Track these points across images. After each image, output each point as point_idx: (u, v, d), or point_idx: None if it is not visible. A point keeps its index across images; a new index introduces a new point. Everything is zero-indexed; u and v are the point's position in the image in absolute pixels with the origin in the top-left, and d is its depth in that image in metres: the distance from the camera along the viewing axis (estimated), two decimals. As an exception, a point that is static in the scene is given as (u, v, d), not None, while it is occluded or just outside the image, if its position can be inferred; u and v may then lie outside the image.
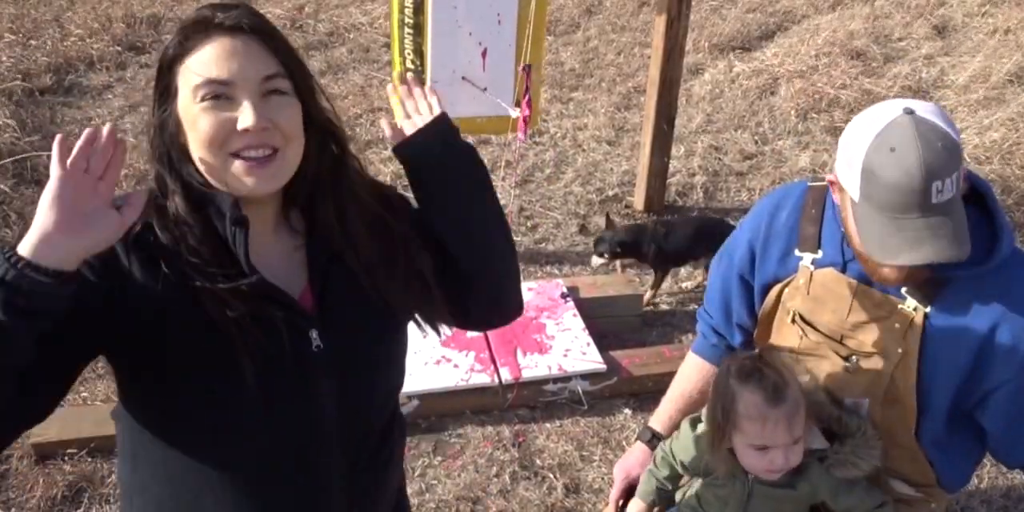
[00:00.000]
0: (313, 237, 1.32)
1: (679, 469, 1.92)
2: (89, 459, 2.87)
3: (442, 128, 1.40)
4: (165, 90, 1.23)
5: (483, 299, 1.48)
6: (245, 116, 1.19)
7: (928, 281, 1.69)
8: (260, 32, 1.23)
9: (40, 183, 4.28)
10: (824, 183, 1.84)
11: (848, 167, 1.60)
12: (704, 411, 1.84)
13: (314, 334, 1.29)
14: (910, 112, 1.55)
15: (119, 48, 5.69)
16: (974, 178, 1.72)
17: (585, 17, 6.49)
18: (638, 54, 5.92)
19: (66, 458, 2.86)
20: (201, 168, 1.23)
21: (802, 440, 1.74)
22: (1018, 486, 2.86)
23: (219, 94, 1.19)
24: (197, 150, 1.22)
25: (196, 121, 1.20)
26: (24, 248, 1.07)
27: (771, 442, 1.70)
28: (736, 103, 5.33)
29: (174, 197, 1.24)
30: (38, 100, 4.97)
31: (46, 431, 2.89)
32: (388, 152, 4.70)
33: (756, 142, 4.95)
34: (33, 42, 5.64)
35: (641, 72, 5.63)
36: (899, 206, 1.53)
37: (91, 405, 3.10)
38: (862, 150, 1.57)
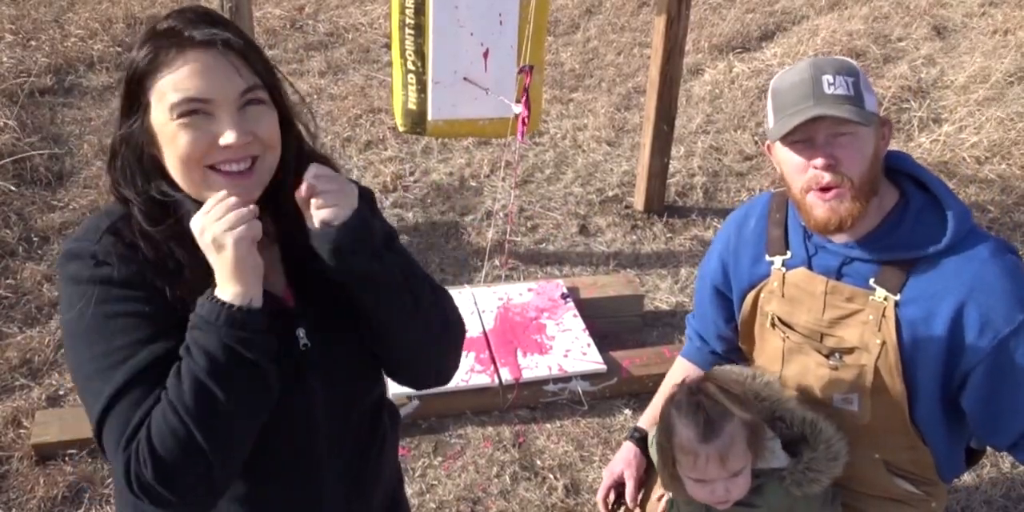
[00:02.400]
0: (285, 234, 1.33)
1: None
2: (89, 459, 2.87)
3: (360, 233, 1.26)
4: (134, 103, 1.22)
5: (394, 368, 1.46)
6: (227, 133, 1.19)
7: (893, 270, 1.73)
8: (233, 47, 1.21)
9: (40, 183, 4.28)
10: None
11: (767, 116, 1.76)
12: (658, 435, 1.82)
13: (301, 333, 1.32)
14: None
15: (119, 49, 5.68)
16: (914, 166, 1.79)
17: (585, 17, 6.49)
18: (638, 54, 5.92)
19: (66, 458, 2.86)
20: (179, 181, 1.24)
21: (746, 471, 1.70)
22: (1018, 486, 2.86)
23: (197, 110, 1.19)
24: (174, 165, 1.22)
25: (174, 137, 1.19)
26: (241, 297, 1.18)
27: (705, 476, 1.69)
28: (736, 103, 5.34)
29: (133, 209, 1.26)
30: (38, 100, 4.97)
31: (46, 431, 2.89)
32: (388, 153, 4.71)
33: (756, 142, 4.95)
34: (33, 42, 5.64)
35: (641, 72, 5.63)
36: (795, 99, 1.67)
37: (91, 406, 3.10)
38: (770, 90, 1.75)
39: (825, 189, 1.66)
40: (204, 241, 1.18)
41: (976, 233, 1.72)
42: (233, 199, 1.19)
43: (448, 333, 1.43)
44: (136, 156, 1.24)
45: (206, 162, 1.21)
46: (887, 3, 6.70)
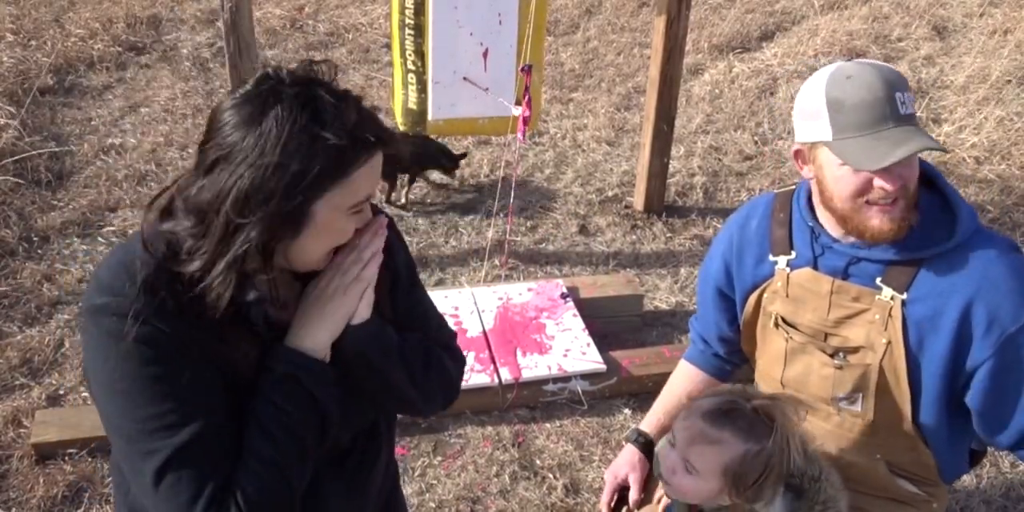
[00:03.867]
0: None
1: None
2: (89, 459, 2.87)
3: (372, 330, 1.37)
4: (299, 208, 1.19)
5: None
6: (367, 218, 1.32)
7: (900, 269, 1.72)
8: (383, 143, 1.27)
9: (40, 183, 4.29)
10: (790, 188, 1.89)
11: (811, 119, 1.68)
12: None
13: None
14: (848, 59, 1.70)
15: (119, 48, 5.69)
16: (923, 164, 1.77)
17: (585, 17, 6.49)
18: (638, 54, 5.92)
19: (66, 458, 2.86)
20: (299, 262, 1.29)
21: (703, 482, 1.63)
22: (1018, 486, 2.86)
23: (364, 205, 1.29)
24: (314, 250, 1.27)
25: (339, 230, 1.27)
26: (321, 346, 1.30)
27: (681, 453, 1.63)
28: (736, 103, 5.34)
29: (222, 274, 1.22)
30: (38, 100, 4.98)
31: (46, 431, 2.89)
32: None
33: (756, 142, 4.95)
34: (33, 42, 5.64)
35: (641, 72, 5.63)
36: (872, 120, 1.61)
37: (91, 405, 3.09)
38: (820, 93, 1.66)
39: (892, 203, 1.65)
40: (332, 285, 1.31)
41: (983, 232, 1.72)
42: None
43: (434, 400, 1.51)
44: (266, 240, 1.21)
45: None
46: (887, 3, 6.70)
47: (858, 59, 1.73)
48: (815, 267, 1.82)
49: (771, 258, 1.88)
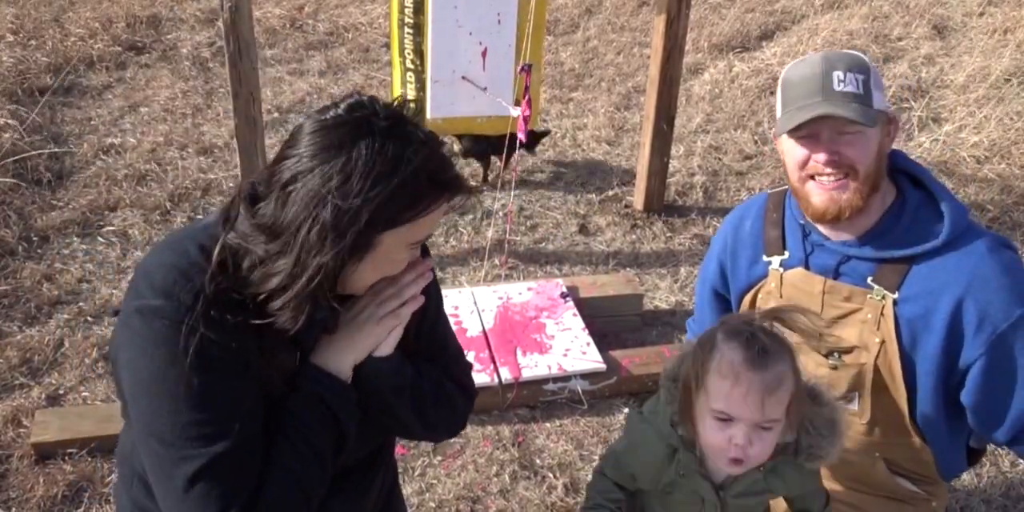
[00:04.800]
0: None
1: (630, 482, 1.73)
2: (89, 459, 2.87)
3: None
4: (371, 239, 1.22)
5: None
6: (415, 254, 1.35)
7: (891, 268, 1.73)
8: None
9: (40, 182, 4.29)
10: (783, 188, 1.90)
11: (776, 104, 1.77)
12: (674, 368, 1.64)
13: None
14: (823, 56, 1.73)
15: (119, 48, 5.69)
16: (908, 163, 1.80)
17: (585, 17, 6.49)
18: (638, 54, 5.92)
19: (66, 458, 2.86)
20: (358, 290, 1.32)
21: (776, 431, 1.51)
22: (1018, 485, 2.86)
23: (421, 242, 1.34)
24: (368, 277, 1.30)
25: (395, 261, 1.30)
26: (345, 369, 1.33)
27: (734, 412, 1.48)
28: (736, 103, 5.34)
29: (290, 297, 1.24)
30: (38, 100, 4.97)
31: (46, 430, 2.89)
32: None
33: (756, 142, 4.95)
34: (33, 42, 5.64)
35: (641, 72, 5.63)
36: (804, 93, 1.68)
37: (91, 405, 3.10)
38: (781, 80, 1.76)
39: (838, 182, 1.68)
40: (366, 313, 1.34)
41: (973, 229, 1.73)
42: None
43: (436, 432, 1.55)
44: (338, 266, 1.22)
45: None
46: (887, 2, 6.70)
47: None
48: (807, 266, 1.82)
49: (765, 258, 1.89)
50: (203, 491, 1.21)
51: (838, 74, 1.66)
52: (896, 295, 1.72)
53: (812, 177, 1.70)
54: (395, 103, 1.27)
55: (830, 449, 1.60)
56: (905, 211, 1.73)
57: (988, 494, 2.82)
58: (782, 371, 1.47)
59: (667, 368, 1.66)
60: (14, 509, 2.72)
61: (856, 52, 1.75)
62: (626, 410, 3.17)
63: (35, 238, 3.95)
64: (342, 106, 1.23)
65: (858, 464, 1.91)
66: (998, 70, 5.52)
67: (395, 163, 1.18)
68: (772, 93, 5.42)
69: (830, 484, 1.99)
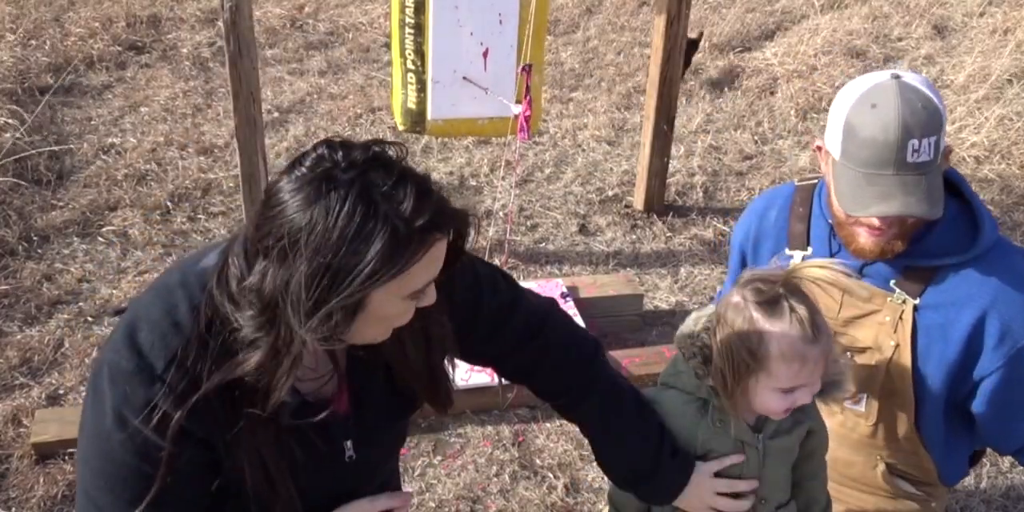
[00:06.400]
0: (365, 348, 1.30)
1: None
2: (89, 458, 2.87)
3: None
4: (354, 303, 1.12)
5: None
6: (430, 299, 1.23)
7: (916, 273, 1.71)
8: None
9: (40, 182, 4.28)
10: (812, 182, 1.87)
11: (832, 127, 1.65)
12: (691, 328, 1.63)
13: (348, 445, 1.33)
14: (896, 77, 1.61)
15: (119, 48, 5.68)
16: (949, 171, 1.75)
17: (585, 17, 6.49)
18: (638, 54, 5.92)
19: (66, 458, 2.86)
20: (361, 340, 1.23)
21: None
22: (1018, 486, 2.86)
23: (424, 290, 1.20)
24: (369, 334, 1.21)
25: (395, 315, 1.20)
26: None
27: (805, 381, 1.51)
28: (736, 103, 5.34)
29: (265, 353, 1.17)
30: (38, 100, 4.97)
31: (46, 430, 2.89)
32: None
33: (756, 142, 4.95)
34: (34, 42, 5.63)
35: (641, 72, 5.63)
36: (875, 161, 1.57)
37: (91, 405, 3.10)
38: (845, 108, 1.62)
39: (883, 228, 1.64)
40: None
41: (1003, 243, 1.71)
42: None
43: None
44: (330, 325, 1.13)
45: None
46: (887, 2, 6.69)
47: (901, 73, 1.61)
48: None
49: (787, 252, 1.87)
50: None
51: (913, 143, 1.55)
52: (917, 301, 1.71)
53: (863, 223, 1.65)
54: (363, 146, 1.15)
55: (847, 383, 1.62)
56: (940, 222, 1.68)
57: (988, 494, 2.82)
58: (828, 327, 1.49)
59: (681, 331, 1.64)
60: (14, 509, 2.72)
61: (928, 95, 1.59)
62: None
63: (35, 238, 3.95)
64: (307, 160, 1.13)
65: (859, 464, 1.91)
66: (998, 70, 5.51)
67: (360, 223, 1.08)
68: (772, 93, 5.43)
69: (829, 484, 1.99)
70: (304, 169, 1.12)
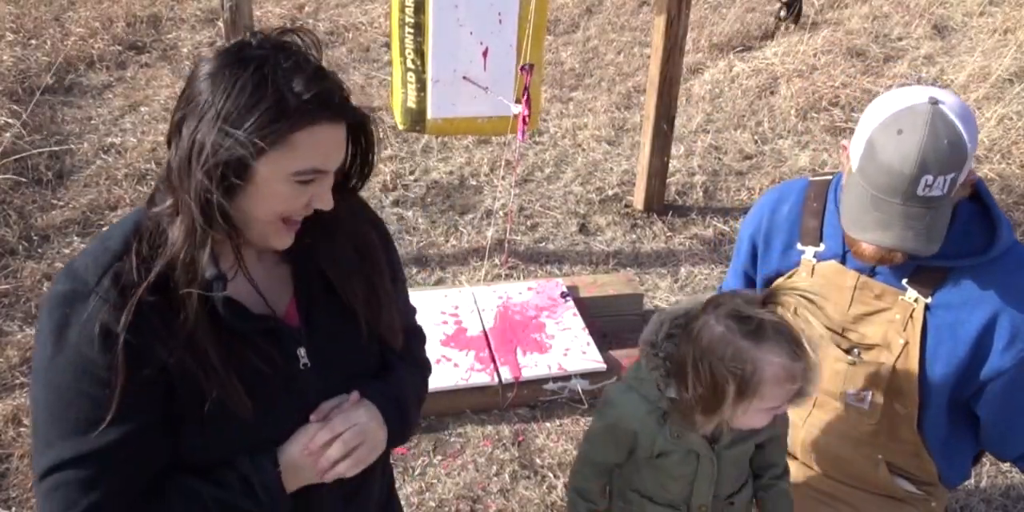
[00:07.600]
0: (303, 250, 1.34)
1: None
2: (89, 458, 2.87)
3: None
4: (240, 162, 1.16)
5: None
6: (325, 201, 1.25)
7: (929, 273, 1.70)
8: (356, 123, 1.27)
9: (40, 182, 4.29)
10: (826, 177, 1.86)
11: (858, 137, 1.64)
12: (652, 336, 1.64)
13: (301, 352, 1.33)
14: (935, 102, 1.56)
15: (119, 48, 5.69)
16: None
17: (585, 16, 6.49)
18: (638, 54, 5.92)
19: (66, 457, 2.86)
20: (244, 227, 1.23)
21: None
22: (1018, 485, 2.86)
23: (312, 179, 1.22)
24: (258, 212, 1.22)
25: (280, 194, 1.21)
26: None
27: (784, 400, 1.55)
28: (736, 103, 5.34)
29: (181, 226, 1.20)
30: (38, 100, 4.97)
31: (46, 430, 2.89)
32: (388, 151, 4.71)
33: (756, 142, 4.95)
34: (33, 41, 5.64)
35: (641, 72, 5.63)
36: (884, 187, 1.57)
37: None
38: (873, 124, 1.60)
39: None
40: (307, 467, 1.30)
41: (1020, 248, 1.70)
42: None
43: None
44: (217, 195, 1.18)
45: (285, 216, 1.25)
46: (887, 2, 6.70)
47: (940, 98, 1.57)
48: (843, 262, 1.80)
49: (799, 247, 1.86)
50: (52, 485, 1.20)
51: (927, 178, 1.53)
52: (929, 300, 1.70)
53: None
54: (283, 31, 1.23)
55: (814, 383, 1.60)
56: (956, 224, 1.67)
57: (988, 494, 2.82)
58: (802, 336, 1.51)
59: (645, 337, 1.66)
60: (14, 509, 2.72)
61: (959, 129, 1.55)
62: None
63: (35, 237, 3.95)
64: (232, 45, 1.21)
65: (859, 463, 1.91)
66: (998, 70, 5.52)
67: (254, 89, 1.15)
68: (773, 93, 5.43)
69: (829, 482, 1.99)
70: (224, 49, 1.20)
